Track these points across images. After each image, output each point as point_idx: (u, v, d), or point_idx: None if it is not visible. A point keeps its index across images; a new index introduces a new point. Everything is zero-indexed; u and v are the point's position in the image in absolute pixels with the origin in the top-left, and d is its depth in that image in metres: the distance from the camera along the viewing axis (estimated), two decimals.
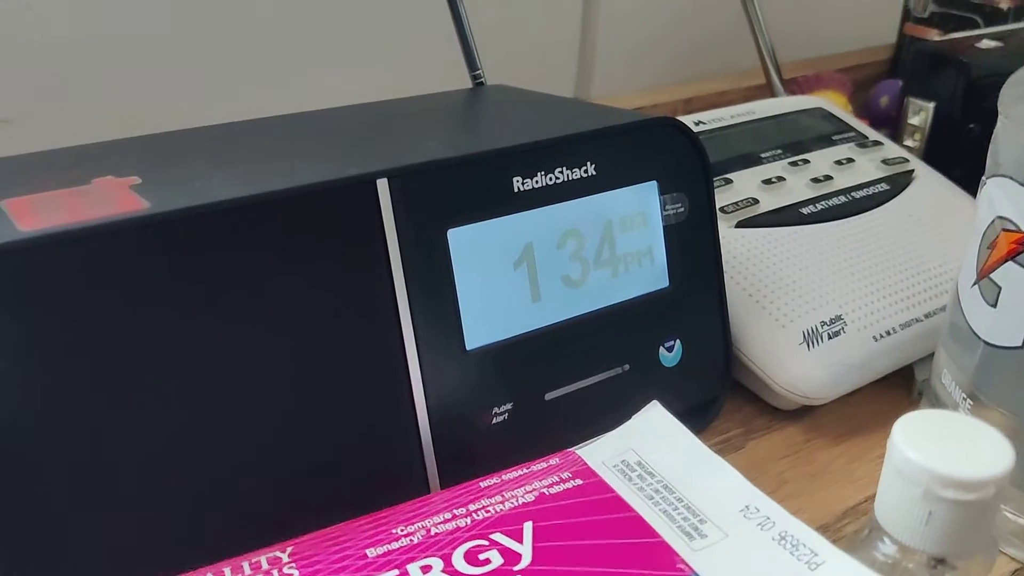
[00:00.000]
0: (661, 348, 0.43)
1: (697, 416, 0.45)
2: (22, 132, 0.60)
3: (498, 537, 0.30)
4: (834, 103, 0.67)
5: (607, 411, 0.40)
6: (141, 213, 0.31)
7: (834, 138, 0.60)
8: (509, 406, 0.39)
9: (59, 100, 0.60)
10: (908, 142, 0.68)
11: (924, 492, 0.27)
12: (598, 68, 0.75)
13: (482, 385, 0.38)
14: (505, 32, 0.72)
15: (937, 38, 0.78)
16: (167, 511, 0.32)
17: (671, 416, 0.36)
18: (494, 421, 0.39)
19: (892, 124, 0.72)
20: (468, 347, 0.37)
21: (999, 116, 0.38)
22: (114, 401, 0.30)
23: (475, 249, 0.37)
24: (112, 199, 0.32)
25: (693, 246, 0.44)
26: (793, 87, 0.75)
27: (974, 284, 0.39)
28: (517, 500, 0.32)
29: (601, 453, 0.35)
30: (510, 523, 0.31)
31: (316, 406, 0.34)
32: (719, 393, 0.46)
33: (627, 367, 0.42)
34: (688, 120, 0.58)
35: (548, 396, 0.40)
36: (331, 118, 0.46)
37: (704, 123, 0.59)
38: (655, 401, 0.36)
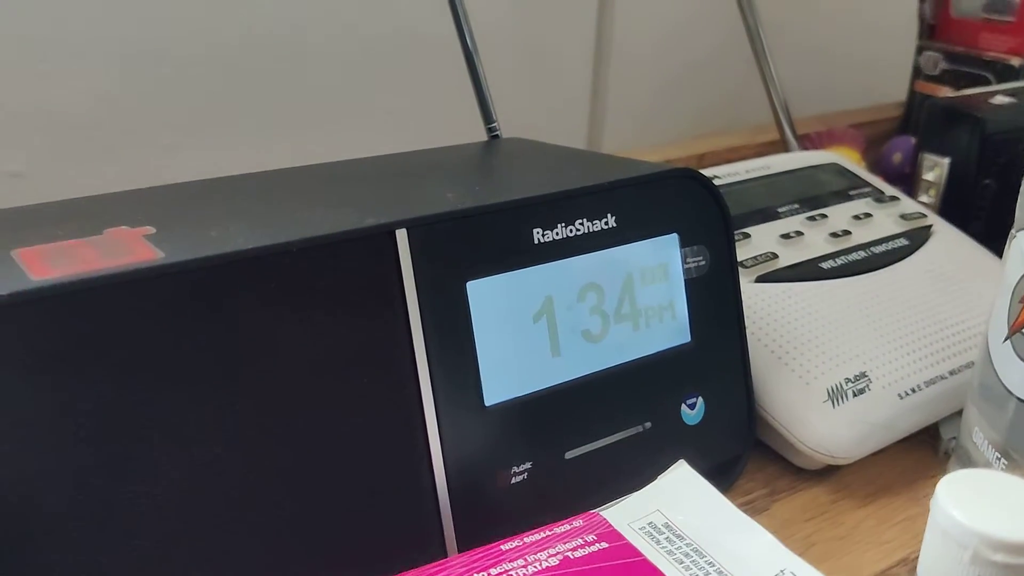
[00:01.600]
0: (683, 405, 0.42)
1: (720, 476, 0.44)
2: (33, 186, 0.59)
3: None
4: (848, 159, 0.67)
5: (629, 470, 0.39)
6: (156, 263, 0.30)
7: (851, 193, 0.60)
8: (528, 465, 0.38)
9: (70, 155, 0.60)
10: (923, 198, 0.67)
11: (973, 556, 0.25)
12: (609, 124, 0.75)
13: (501, 442, 0.37)
14: (516, 91, 0.72)
15: (949, 95, 0.77)
16: None
17: (699, 476, 0.34)
18: (513, 480, 0.37)
19: (906, 181, 0.71)
20: (487, 403, 0.36)
21: None
22: (121, 458, 0.29)
23: (494, 302, 0.36)
24: (126, 248, 0.32)
25: (715, 300, 0.43)
26: (806, 143, 0.75)
27: (1006, 340, 0.38)
28: (540, 564, 0.31)
29: (627, 515, 0.33)
30: None
31: (330, 463, 0.33)
32: (742, 452, 0.44)
33: (648, 425, 0.41)
34: (706, 175, 0.58)
35: (568, 455, 0.39)
36: (347, 169, 0.45)
37: (720, 177, 0.58)
38: (682, 460, 0.35)
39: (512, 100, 0.65)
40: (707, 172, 0.58)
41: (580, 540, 0.32)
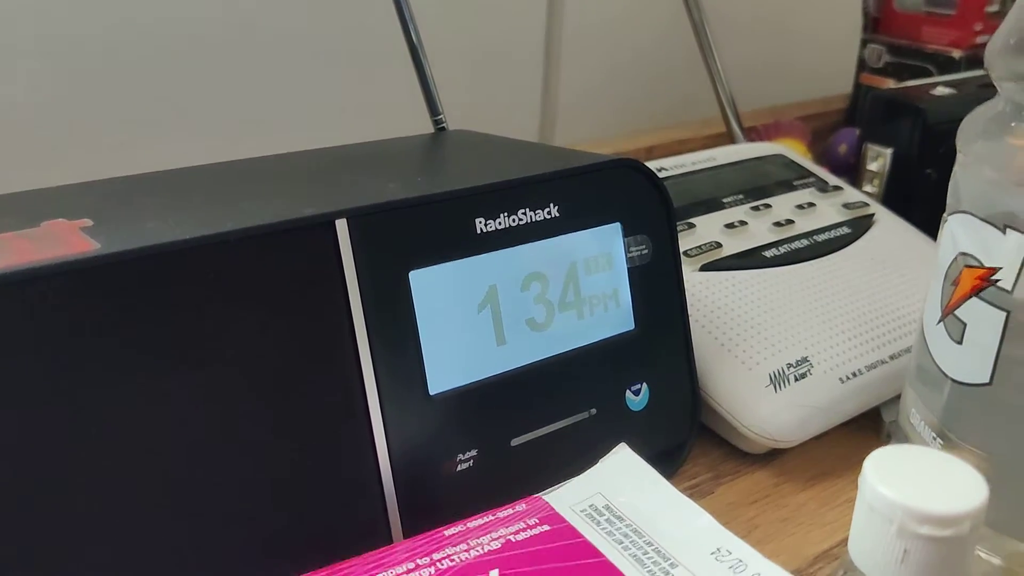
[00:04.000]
0: (628, 392, 0.42)
1: (665, 461, 0.44)
2: None
3: None
4: (794, 150, 0.68)
5: (574, 457, 0.39)
6: (90, 254, 0.30)
7: (795, 183, 0.61)
8: (474, 452, 0.38)
9: (11, 156, 0.59)
10: (867, 187, 0.69)
11: (898, 529, 0.26)
12: (560, 118, 0.75)
13: (446, 431, 0.37)
14: (467, 85, 0.73)
15: (893, 87, 0.79)
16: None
17: (639, 458, 0.35)
18: (459, 468, 0.37)
19: (851, 171, 0.73)
20: (431, 392, 0.37)
21: (958, 154, 0.38)
22: (49, 454, 0.29)
23: (438, 291, 0.36)
24: (61, 241, 0.31)
25: (658, 288, 0.43)
26: (753, 135, 0.76)
27: (939, 322, 0.38)
28: (483, 548, 0.31)
29: (568, 498, 0.34)
30: (476, 572, 0.30)
31: (273, 455, 0.33)
32: (687, 437, 0.45)
33: (594, 411, 0.41)
34: (652, 166, 0.58)
35: (514, 442, 0.39)
36: (289, 162, 0.45)
37: (666, 169, 0.59)
38: (623, 443, 0.36)
39: (464, 94, 0.65)
40: (654, 164, 0.58)
41: (522, 524, 0.32)
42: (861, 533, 0.27)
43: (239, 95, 0.65)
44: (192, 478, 0.32)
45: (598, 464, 0.35)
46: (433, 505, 0.37)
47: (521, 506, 0.34)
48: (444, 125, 0.53)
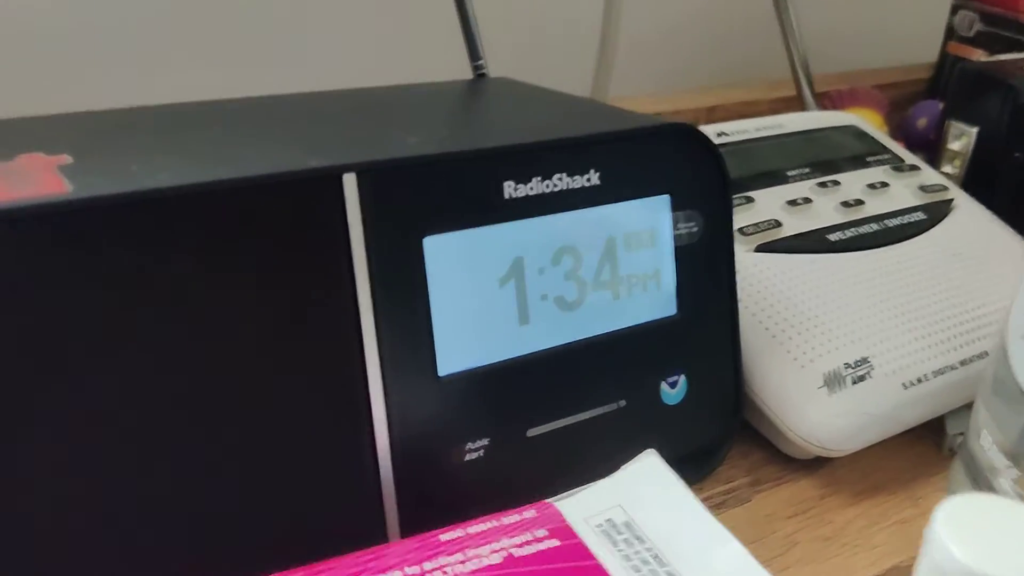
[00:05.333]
0: (663, 383, 0.38)
1: (699, 461, 0.40)
2: None
3: None
4: (868, 121, 0.62)
5: (598, 453, 0.35)
6: (57, 198, 0.26)
7: (868, 159, 0.55)
8: (485, 442, 0.34)
9: (38, 71, 0.56)
10: (947, 168, 0.63)
11: None
12: (618, 68, 0.70)
13: (455, 417, 0.33)
14: (520, 24, 0.68)
15: (983, 59, 0.72)
16: (70, 556, 0.27)
17: (668, 468, 0.31)
18: (467, 458, 0.34)
19: (930, 148, 0.67)
20: (440, 373, 0.33)
21: None
22: (10, 422, 0.26)
23: (455, 261, 0.32)
24: (32, 179, 0.28)
25: (706, 270, 0.39)
26: (825, 101, 0.70)
27: None
28: (480, 561, 0.27)
29: (584, 508, 0.30)
30: None
31: (257, 433, 0.30)
32: (726, 437, 0.41)
33: (623, 403, 0.37)
34: (710, 130, 0.53)
35: (530, 432, 0.35)
36: (303, 104, 0.41)
37: (727, 134, 0.54)
38: (651, 449, 0.32)
39: (515, 36, 0.60)
40: (714, 127, 0.54)
41: (528, 535, 0.28)
42: None
43: (264, 21, 0.60)
44: (164, 455, 0.28)
45: (621, 471, 0.31)
46: (435, 498, 0.33)
47: (529, 512, 0.30)
48: (484, 71, 0.48)
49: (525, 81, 0.48)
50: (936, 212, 0.51)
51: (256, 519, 0.30)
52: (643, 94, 0.71)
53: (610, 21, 0.69)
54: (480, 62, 0.48)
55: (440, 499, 0.33)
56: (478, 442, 0.34)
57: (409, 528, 0.32)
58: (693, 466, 0.40)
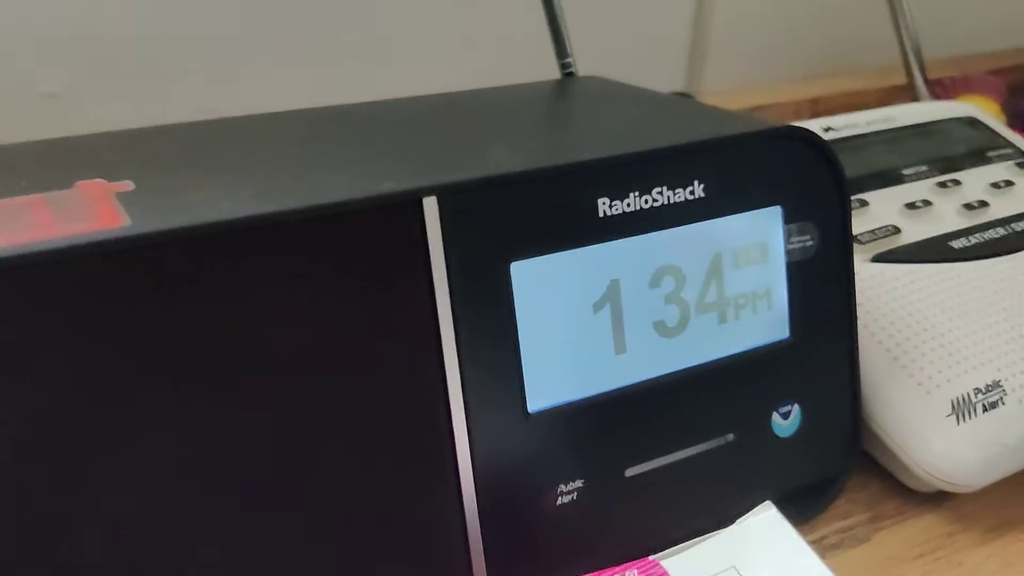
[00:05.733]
0: (775, 414, 0.35)
1: (813, 497, 0.37)
2: (68, 109, 0.54)
3: None
4: (985, 111, 0.57)
5: (704, 493, 0.32)
6: (112, 234, 0.24)
7: (988, 154, 0.51)
8: (579, 483, 0.31)
9: (114, 77, 0.54)
10: None
11: None
12: (711, 60, 0.66)
13: (546, 457, 0.30)
14: (607, 15, 0.64)
15: None
16: None
17: (787, 524, 0.27)
18: (559, 502, 0.31)
19: None
20: (531, 409, 0.30)
21: None
22: (62, 479, 0.24)
23: (545, 287, 0.29)
24: (88, 211, 0.26)
25: (822, 288, 0.35)
26: (937, 90, 0.65)
27: None
28: None
29: (694, 568, 0.27)
30: None
31: (333, 478, 0.27)
32: (843, 471, 0.37)
33: (731, 437, 0.34)
34: (815, 125, 0.49)
35: (629, 472, 0.32)
36: (383, 113, 0.38)
37: (834, 130, 0.50)
38: (768, 502, 0.28)
39: (603, 29, 0.57)
40: (820, 123, 0.50)
41: None
42: None
43: (344, 23, 0.58)
44: (229, 505, 0.26)
45: (736, 524, 0.28)
46: (526, 545, 0.31)
47: (632, 572, 0.27)
48: (572, 70, 0.45)
49: (615, 79, 0.45)
50: None
51: (332, 567, 0.28)
52: (740, 86, 0.66)
53: (703, 7, 0.65)
54: (568, 60, 0.45)
55: (532, 546, 0.31)
56: (571, 484, 0.31)
57: None
58: (807, 502, 0.37)
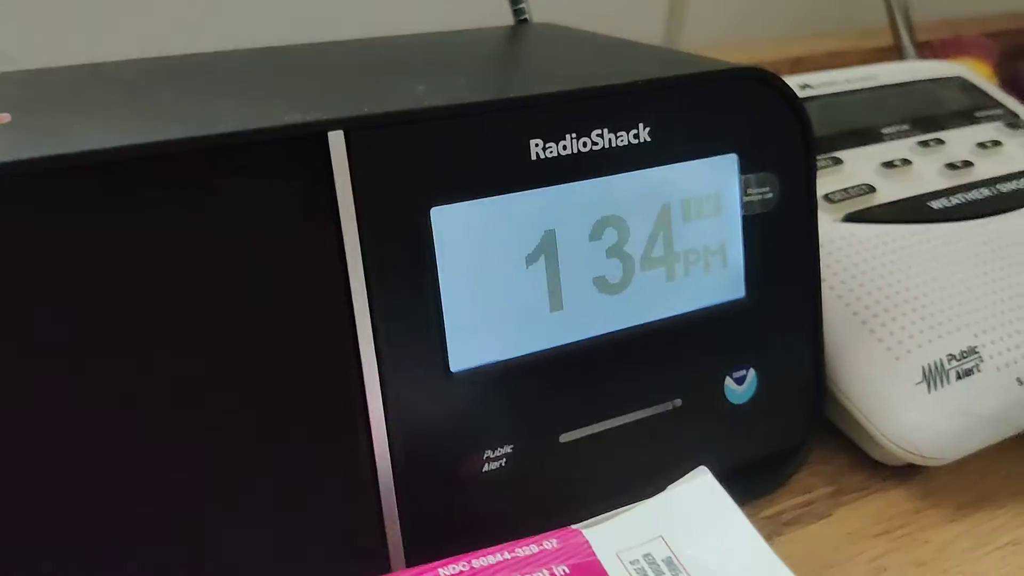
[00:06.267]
0: (728, 379, 0.32)
1: (771, 469, 0.34)
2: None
3: None
4: (976, 73, 0.55)
5: (648, 462, 0.30)
6: None
7: (976, 115, 0.48)
8: (508, 449, 0.29)
9: (65, 36, 0.52)
10: None
11: None
12: (691, 16, 0.63)
13: (472, 420, 0.28)
14: None
15: None
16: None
17: (723, 491, 0.25)
18: (486, 468, 0.28)
19: None
20: (453, 368, 0.27)
21: None
22: None
23: (471, 236, 0.27)
24: None
25: (782, 245, 0.33)
26: (926, 52, 0.62)
27: None
28: None
29: (618, 538, 0.24)
30: None
31: (228, 440, 0.25)
32: (803, 442, 0.35)
33: (679, 403, 0.31)
34: (792, 82, 0.47)
35: (564, 438, 0.30)
36: (309, 55, 0.36)
37: (812, 86, 0.47)
38: (703, 467, 0.26)
39: None
40: (797, 79, 0.47)
41: (545, 572, 0.23)
42: None
43: None
44: (104, 467, 0.24)
45: (666, 492, 0.26)
46: (448, 515, 0.28)
47: (550, 542, 0.24)
48: (526, 16, 0.42)
49: (579, 28, 0.42)
50: None
51: (230, 540, 0.26)
52: (719, 44, 0.64)
53: None
54: (521, 6, 0.42)
55: (454, 516, 0.28)
56: (500, 449, 0.29)
57: (415, 550, 0.28)
58: (764, 475, 0.34)
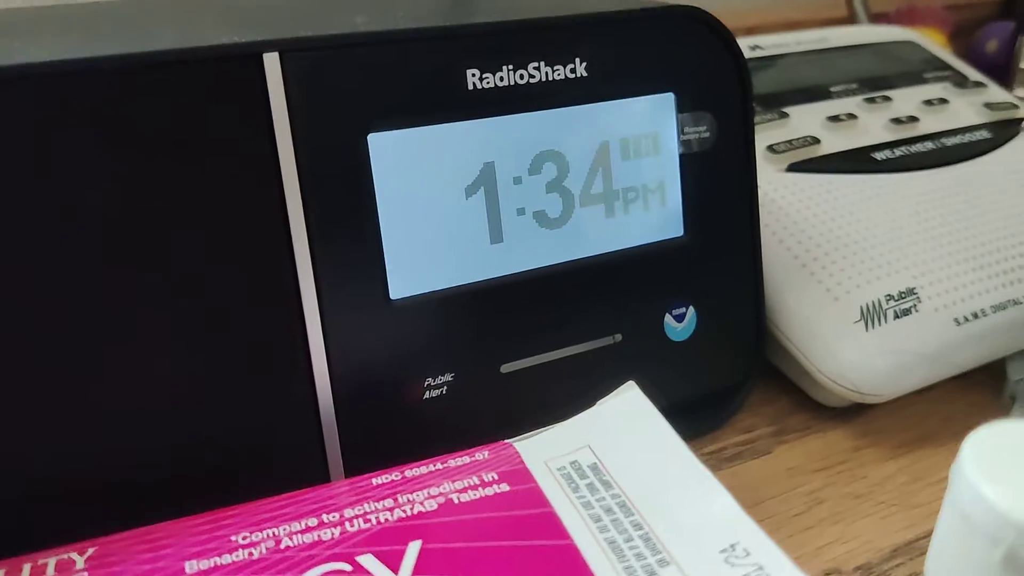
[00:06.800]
0: (668, 316, 0.33)
1: (713, 408, 0.35)
2: None
3: (366, 561, 0.21)
4: (930, 40, 0.55)
5: (587, 395, 0.30)
6: None
7: (925, 76, 0.49)
8: (448, 377, 0.29)
9: None
10: (1020, 91, 0.56)
11: (1006, 555, 0.16)
12: None
13: (412, 347, 0.29)
14: None
15: None
16: None
17: (650, 404, 0.26)
18: (426, 396, 0.29)
19: (1000, 74, 0.60)
20: (393, 296, 0.28)
21: None
22: None
23: (410, 164, 0.28)
24: None
25: (720, 184, 0.33)
26: (881, 22, 0.63)
27: None
28: (412, 508, 0.23)
29: (546, 449, 0.25)
30: (391, 541, 0.22)
31: (167, 370, 0.25)
32: (744, 379, 0.35)
33: (619, 337, 0.32)
34: (744, 43, 0.47)
35: (505, 368, 0.30)
36: None
37: (762, 48, 0.48)
38: (631, 382, 0.27)
39: None
40: (746, 40, 0.48)
41: (475, 479, 0.24)
42: (946, 548, 0.18)
43: None
44: (51, 386, 0.24)
45: (595, 407, 0.26)
46: (388, 440, 0.29)
47: (482, 454, 0.25)
48: None
49: None
50: (1003, 132, 0.45)
51: (168, 460, 0.26)
52: None
53: None
54: None
55: (395, 442, 0.29)
56: (440, 377, 0.29)
57: (355, 470, 0.28)
58: (706, 413, 0.35)
